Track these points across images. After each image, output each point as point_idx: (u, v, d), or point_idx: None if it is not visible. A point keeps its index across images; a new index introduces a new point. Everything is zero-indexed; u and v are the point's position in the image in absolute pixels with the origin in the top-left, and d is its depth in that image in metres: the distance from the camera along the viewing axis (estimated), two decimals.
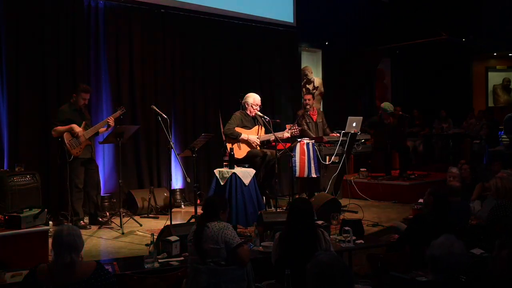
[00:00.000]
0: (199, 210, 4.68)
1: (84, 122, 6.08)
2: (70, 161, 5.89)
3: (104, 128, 6.22)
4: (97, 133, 6.25)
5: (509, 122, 9.58)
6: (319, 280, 2.20)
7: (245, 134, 6.42)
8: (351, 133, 7.19)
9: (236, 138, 6.39)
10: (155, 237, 4.36)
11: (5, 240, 4.47)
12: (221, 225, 3.61)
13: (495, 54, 13.64)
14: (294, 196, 6.68)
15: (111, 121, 6.12)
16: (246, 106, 6.58)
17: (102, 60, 7.10)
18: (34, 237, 4.63)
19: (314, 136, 7.37)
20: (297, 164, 6.85)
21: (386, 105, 8.72)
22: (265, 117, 6.44)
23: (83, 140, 5.99)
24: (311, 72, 10.23)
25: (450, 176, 6.43)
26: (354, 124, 7.24)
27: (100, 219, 6.23)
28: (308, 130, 7.48)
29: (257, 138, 6.49)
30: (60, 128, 5.93)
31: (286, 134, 6.56)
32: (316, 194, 6.89)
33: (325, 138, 7.25)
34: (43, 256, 4.48)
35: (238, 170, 6.02)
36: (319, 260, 2.26)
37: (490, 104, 13.72)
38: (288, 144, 6.85)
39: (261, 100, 6.68)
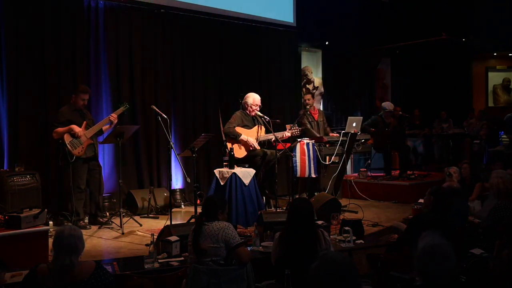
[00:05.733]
0: (199, 210, 4.68)
1: (85, 122, 6.07)
2: (73, 161, 5.88)
3: (108, 126, 6.21)
4: (101, 131, 6.23)
5: (510, 122, 9.59)
6: (329, 278, 2.17)
7: (245, 135, 6.42)
8: (351, 133, 7.19)
9: (235, 138, 6.39)
10: (155, 237, 4.36)
11: (5, 240, 4.46)
12: (222, 224, 3.61)
13: (495, 54, 13.65)
14: (294, 196, 6.68)
15: (113, 118, 6.12)
16: (246, 106, 6.58)
17: (102, 60, 7.10)
18: (34, 237, 4.63)
19: (318, 135, 7.36)
20: (298, 164, 6.85)
21: (387, 105, 8.75)
22: (265, 117, 6.44)
23: (85, 140, 5.99)
24: (311, 72, 10.23)
25: (450, 172, 6.46)
26: (354, 124, 7.24)
27: (100, 219, 6.22)
28: (311, 129, 7.48)
29: (256, 140, 6.47)
30: (60, 129, 5.92)
31: (287, 134, 6.57)
32: (316, 194, 6.89)
33: (325, 138, 7.25)
34: (43, 256, 4.47)
35: (238, 170, 6.02)
36: (329, 257, 2.23)
37: (490, 104, 13.73)
38: (288, 144, 6.85)
39: (261, 100, 6.68)
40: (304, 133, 7.20)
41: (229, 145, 6.32)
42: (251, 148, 6.41)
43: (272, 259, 3.62)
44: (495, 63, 13.99)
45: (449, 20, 11.52)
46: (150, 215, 6.86)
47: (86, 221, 6.21)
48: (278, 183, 6.46)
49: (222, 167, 6.14)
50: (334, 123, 8.22)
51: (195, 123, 8.03)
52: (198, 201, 6.18)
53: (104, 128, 6.21)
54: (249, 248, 4.24)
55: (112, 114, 6.16)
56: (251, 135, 6.48)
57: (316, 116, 7.67)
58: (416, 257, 2.51)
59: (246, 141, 6.40)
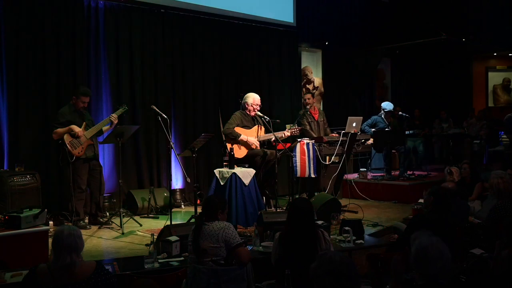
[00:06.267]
0: (199, 210, 4.68)
1: (84, 122, 6.07)
2: (73, 161, 5.87)
3: (108, 126, 6.21)
4: (100, 132, 6.23)
5: (509, 122, 9.60)
6: (328, 277, 2.18)
7: (245, 135, 6.42)
8: (351, 133, 7.18)
9: (235, 139, 6.39)
10: (155, 237, 4.36)
11: (5, 240, 4.46)
12: (222, 224, 3.62)
13: (495, 54, 13.65)
14: (294, 196, 6.68)
15: (114, 118, 6.11)
16: (246, 106, 6.58)
17: (102, 60, 7.10)
18: (34, 237, 4.62)
19: (315, 136, 7.37)
20: (298, 164, 6.85)
21: (387, 105, 8.74)
22: (265, 117, 6.44)
23: (84, 140, 5.98)
24: (311, 72, 10.23)
25: (451, 170, 6.50)
26: (354, 124, 7.24)
27: (100, 219, 6.22)
28: (310, 130, 7.48)
29: (256, 139, 6.48)
30: (60, 130, 5.92)
31: (286, 133, 6.57)
32: (316, 194, 6.89)
33: (325, 138, 7.25)
34: (43, 256, 4.48)
35: (238, 170, 6.02)
36: (327, 257, 2.24)
37: (490, 104, 13.74)
38: (288, 144, 6.85)
39: (260, 100, 6.69)
40: (303, 134, 7.21)
41: (229, 145, 6.32)
42: (253, 147, 6.41)
43: (272, 259, 3.62)
44: (495, 63, 14.00)
45: (449, 20, 11.53)
46: (150, 215, 6.85)
47: (86, 221, 6.20)
48: (278, 183, 6.46)
49: (222, 167, 6.14)
50: (334, 123, 8.21)
51: (195, 123, 8.02)
52: (198, 201, 6.18)
53: (104, 128, 6.21)
54: (249, 248, 4.24)
55: (113, 115, 6.16)
56: (251, 135, 6.48)
57: (316, 116, 7.66)
58: (412, 260, 2.53)
59: (246, 141, 6.41)
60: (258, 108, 6.58)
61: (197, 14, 8.05)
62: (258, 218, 5.22)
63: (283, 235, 3.60)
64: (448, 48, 11.94)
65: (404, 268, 2.72)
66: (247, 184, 6.00)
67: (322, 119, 7.71)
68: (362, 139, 7.66)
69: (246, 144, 6.44)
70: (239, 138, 6.38)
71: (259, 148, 6.50)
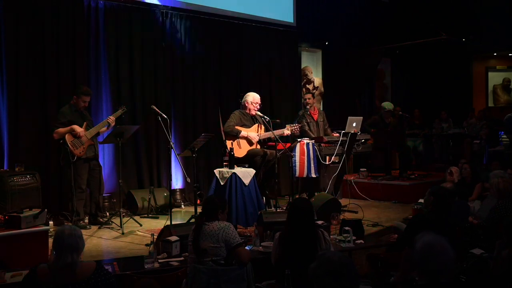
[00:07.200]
0: (199, 210, 4.68)
1: (85, 122, 6.08)
2: (74, 161, 5.87)
3: (105, 128, 6.21)
4: (98, 133, 6.24)
5: (509, 122, 9.60)
6: (330, 277, 2.18)
7: (245, 131, 6.44)
8: (351, 133, 7.19)
9: (236, 136, 6.39)
10: (155, 237, 4.36)
11: (5, 240, 4.46)
12: (223, 224, 3.62)
13: (495, 54, 13.65)
14: (294, 196, 6.68)
15: (111, 120, 6.12)
16: (246, 105, 6.59)
17: (102, 60, 7.10)
18: (34, 237, 4.63)
19: (314, 136, 7.38)
20: (297, 164, 6.86)
21: (386, 104, 8.74)
22: (265, 116, 6.45)
23: (86, 140, 5.99)
24: (311, 72, 10.23)
25: (452, 170, 6.53)
26: (354, 124, 7.25)
27: (100, 219, 6.22)
28: (308, 130, 7.48)
29: (257, 135, 6.49)
30: (61, 130, 5.92)
31: (286, 131, 6.58)
32: (316, 194, 6.89)
33: (325, 138, 7.26)
34: (43, 256, 4.47)
35: (238, 170, 6.02)
36: (326, 257, 2.24)
37: (490, 104, 13.73)
38: (288, 144, 6.86)
39: (261, 100, 6.69)
40: (302, 134, 7.22)
41: (228, 144, 6.32)
42: (253, 141, 6.41)
43: (272, 259, 3.62)
44: (495, 63, 13.99)
45: (449, 20, 11.52)
46: (150, 215, 6.86)
47: (86, 221, 6.21)
48: (278, 183, 6.46)
49: (222, 167, 6.15)
50: (334, 123, 8.21)
51: (195, 123, 8.02)
52: (198, 201, 6.18)
53: (101, 130, 6.21)
54: (248, 248, 4.24)
55: (110, 117, 6.17)
56: (251, 132, 6.49)
57: (315, 116, 7.67)
58: (417, 258, 2.52)
59: (247, 137, 6.41)
60: (258, 107, 6.58)
61: (197, 14, 8.04)
62: (258, 218, 5.23)
63: (283, 235, 3.60)
64: (448, 48, 11.94)
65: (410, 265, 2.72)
66: (247, 184, 6.00)
67: (322, 120, 7.72)
68: (362, 139, 7.66)
69: (247, 140, 6.44)
70: (240, 135, 6.39)
71: (258, 146, 6.50)
